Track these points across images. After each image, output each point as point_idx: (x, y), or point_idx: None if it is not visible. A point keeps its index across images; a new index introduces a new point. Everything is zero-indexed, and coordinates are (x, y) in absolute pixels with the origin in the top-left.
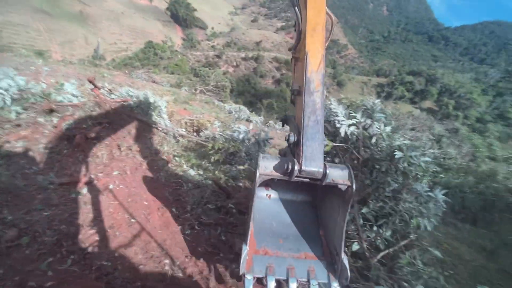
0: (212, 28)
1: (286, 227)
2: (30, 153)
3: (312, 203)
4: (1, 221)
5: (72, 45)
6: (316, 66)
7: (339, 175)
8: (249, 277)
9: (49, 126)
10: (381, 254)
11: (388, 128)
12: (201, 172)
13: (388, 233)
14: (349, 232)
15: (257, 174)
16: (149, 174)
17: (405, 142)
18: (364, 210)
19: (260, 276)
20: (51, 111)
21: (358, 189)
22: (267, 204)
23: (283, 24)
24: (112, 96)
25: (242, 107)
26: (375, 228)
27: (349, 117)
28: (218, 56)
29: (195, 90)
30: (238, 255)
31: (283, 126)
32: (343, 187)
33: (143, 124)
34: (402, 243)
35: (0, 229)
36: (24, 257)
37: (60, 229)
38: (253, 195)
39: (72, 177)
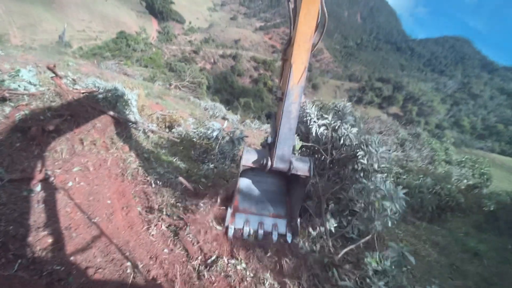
0: (190, 22)
1: (262, 196)
2: None
3: (283, 181)
4: None
5: (34, 29)
6: (298, 79)
7: (301, 167)
8: (231, 226)
9: (0, 116)
10: (345, 250)
11: (354, 130)
12: (171, 169)
13: (354, 229)
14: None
15: (241, 165)
16: (115, 171)
17: (368, 137)
18: (331, 206)
19: (239, 227)
20: (3, 100)
21: (325, 187)
22: (250, 180)
23: (262, 24)
24: (76, 86)
25: (219, 104)
26: (343, 223)
27: (321, 118)
28: (195, 52)
29: (170, 85)
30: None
31: (267, 119)
32: (303, 176)
33: (110, 118)
34: (363, 240)
35: None
36: None
37: (7, 230)
38: (237, 179)
39: (25, 173)
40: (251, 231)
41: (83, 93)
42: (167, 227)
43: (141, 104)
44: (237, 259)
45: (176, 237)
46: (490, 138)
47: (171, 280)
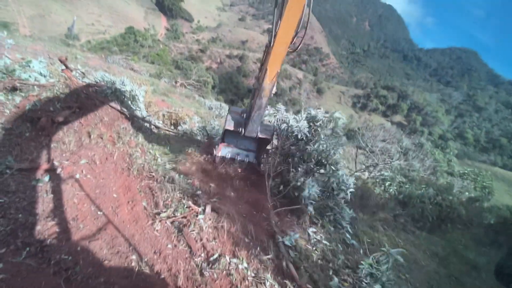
0: (198, 21)
1: (241, 138)
2: None
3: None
4: None
5: (43, 20)
6: (270, 79)
7: (264, 133)
8: (218, 155)
9: (10, 105)
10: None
11: (305, 126)
12: (176, 166)
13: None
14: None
15: (224, 127)
16: (121, 165)
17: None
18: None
19: (224, 155)
20: (14, 89)
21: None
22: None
23: (270, 26)
24: (85, 80)
25: (223, 104)
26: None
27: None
28: (202, 51)
29: (176, 82)
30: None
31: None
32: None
33: (118, 112)
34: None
35: None
36: None
37: (16, 218)
38: (223, 132)
39: (34, 162)
40: (230, 157)
41: (92, 86)
42: (171, 223)
43: (148, 100)
44: (239, 258)
45: (180, 233)
46: (493, 152)
47: (174, 275)
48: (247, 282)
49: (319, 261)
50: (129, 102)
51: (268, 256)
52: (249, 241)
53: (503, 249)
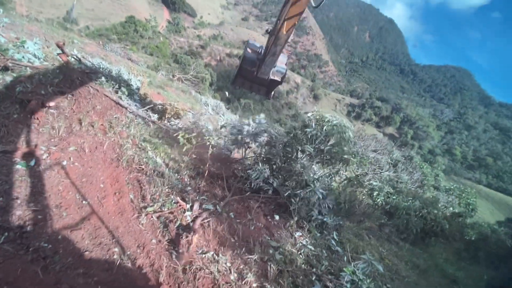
0: (201, 17)
1: (254, 77)
2: None
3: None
4: None
5: (42, 1)
6: (286, 31)
7: (277, 74)
8: (233, 86)
9: (0, 85)
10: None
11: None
12: (167, 160)
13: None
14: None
15: (243, 57)
16: (110, 155)
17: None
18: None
19: (238, 86)
20: (5, 69)
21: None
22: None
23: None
24: (81, 66)
25: (219, 102)
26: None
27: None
28: (203, 47)
29: (173, 76)
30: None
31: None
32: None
33: (111, 101)
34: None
35: None
36: None
37: None
38: (240, 63)
39: (19, 146)
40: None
41: (87, 73)
42: (157, 218)
43: (143, 92)
44: (223, 257)
45: (165, 229)
46: (479, 170)
47: (157, 271)
48: (229, 280)
49: (303, 265)
50: (124, 92)
51: (252, 257)
52: (235, 241)
53: (482, 266)
